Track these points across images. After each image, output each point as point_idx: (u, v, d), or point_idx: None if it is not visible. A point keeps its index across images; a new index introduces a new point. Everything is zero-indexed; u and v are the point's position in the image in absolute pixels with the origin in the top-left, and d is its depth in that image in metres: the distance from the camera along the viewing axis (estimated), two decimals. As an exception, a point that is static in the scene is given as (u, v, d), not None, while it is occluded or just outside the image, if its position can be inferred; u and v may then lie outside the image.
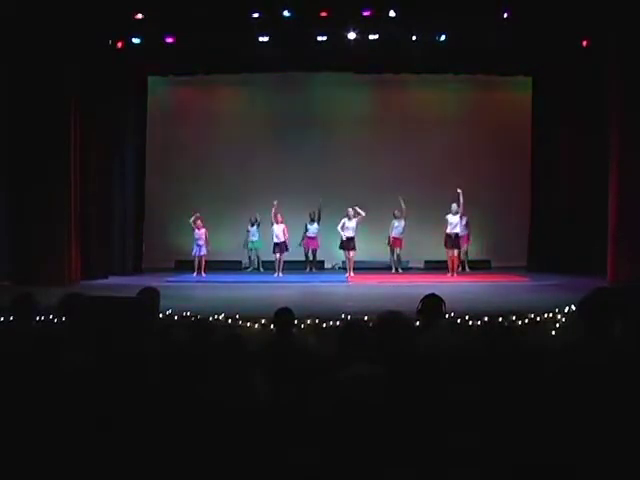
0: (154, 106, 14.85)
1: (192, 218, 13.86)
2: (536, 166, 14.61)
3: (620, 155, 11.40)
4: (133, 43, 12.60)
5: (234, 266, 14.78)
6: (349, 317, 7.34)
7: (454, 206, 13.30)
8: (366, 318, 7.19)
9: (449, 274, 13.23)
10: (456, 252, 13.46)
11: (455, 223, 13.34)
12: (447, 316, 6.50)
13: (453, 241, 13.38)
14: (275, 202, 13.68)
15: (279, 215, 13.81)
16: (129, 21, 12.01)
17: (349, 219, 13.65)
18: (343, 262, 14.52)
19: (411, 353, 3.01)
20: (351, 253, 13.77)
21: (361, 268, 13.99)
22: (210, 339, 3.89)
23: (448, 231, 13.37)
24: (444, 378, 2.98)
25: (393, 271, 14.31)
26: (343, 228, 13.68)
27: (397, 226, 14.10)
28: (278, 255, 13.85)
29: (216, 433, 2.58)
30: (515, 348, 2.88)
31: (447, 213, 13.39)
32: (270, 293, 10.90)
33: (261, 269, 14.94)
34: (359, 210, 13.57)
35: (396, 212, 14.04)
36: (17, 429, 2.72)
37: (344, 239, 13.70)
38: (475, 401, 2.57)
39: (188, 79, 14.84)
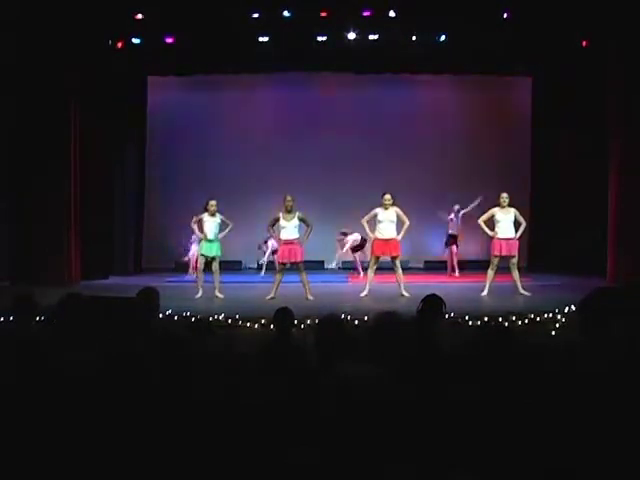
0: (154, 106, 14.86)
1: (193, 220, 13.90)
2: (536, 166, 14.60)
3: (620, 155, 11.40)
4: (133, 43, 12.61)
5: (234, 266, 14.77)
6: (349, 317, 7.34)
7: (457, 207, 13.32)
8: (366, 318, 7.21)
9: (448, 273, 13.25)
10: (455, 248, 13.42)
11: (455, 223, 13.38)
12: (447, 316, 6.51)
13: (455, 239, 13.43)
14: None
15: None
16: (129, 21, 12.02)
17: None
18: (343, 262, 14.52)
19: (408, 353, 3.01)
20: (356, 253, 13.77)
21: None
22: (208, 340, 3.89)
23: (451, 232, 13.41)
24: (443, 378, 2.98)
25: None
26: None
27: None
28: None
29: (215, 433, 2.58)
30: (515, 348, 2.87)
31: (450, 212, 13.37)
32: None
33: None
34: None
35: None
36: (16, 430, 2.72)
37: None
38: (475, 401, 2.57)
39: (188, 79, 14.86)
